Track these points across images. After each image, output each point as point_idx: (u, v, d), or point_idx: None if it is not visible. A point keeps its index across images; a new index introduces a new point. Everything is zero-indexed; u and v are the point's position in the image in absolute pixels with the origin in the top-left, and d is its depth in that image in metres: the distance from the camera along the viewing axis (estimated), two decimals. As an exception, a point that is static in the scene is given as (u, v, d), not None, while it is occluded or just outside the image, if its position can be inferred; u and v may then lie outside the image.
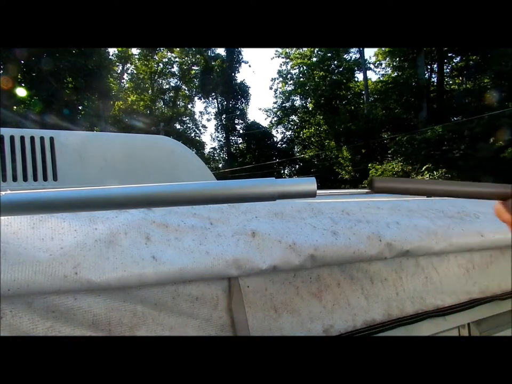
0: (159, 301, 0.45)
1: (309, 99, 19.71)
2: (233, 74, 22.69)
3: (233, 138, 24.10)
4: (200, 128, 23.89)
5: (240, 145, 23.93)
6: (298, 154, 21.43)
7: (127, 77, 20.96)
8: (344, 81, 18.43)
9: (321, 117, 19.15)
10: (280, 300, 0.52)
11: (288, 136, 22.18)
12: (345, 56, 18.53)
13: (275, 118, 22.11)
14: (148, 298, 0.44)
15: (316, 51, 18.42)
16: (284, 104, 21.50)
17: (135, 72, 20.98)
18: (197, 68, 22.56)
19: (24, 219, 0.39)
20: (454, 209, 0.68)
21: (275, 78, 21.37)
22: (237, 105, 23.35)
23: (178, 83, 22.60)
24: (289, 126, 22.05)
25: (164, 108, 22.40)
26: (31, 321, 0.39)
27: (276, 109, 21.95)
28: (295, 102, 21.09)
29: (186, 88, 23.08)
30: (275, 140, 22.74)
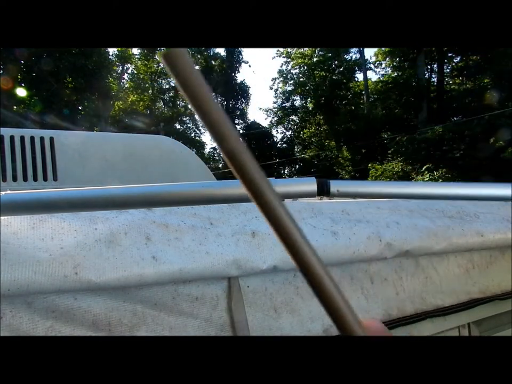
0: (159, 301, 0.45)
1: (309, 99, 19.70)
2: (233, 74, 22.68)
3: (233, 138, 24.02)
4: (200, 128, 23.87)
5: (240, 145, 23.85)
6: (298, 154, 21.41)
7: (127, 77, 20.96)
8: (344, 81, 18.42)
9: (321, 117, 19.14)
10: (280, 300, 0.52)
11: (288, 136, 22.17)
12: (345, 56, 18.53)
13: (275, 118, 22.10)
14: (147, 298, 0.44)
15: (317, 51, 18.41)
16: (284, 104, 21.48)
17: (135, 72, 20.98)
18: (197, 68, 22.52)
19: (24, 219, 0.39)
20: (454, 209, 0.68)
21: (275, 78, 21.37)
22: (237, 105, 23.34)
23: (178, 83, 22.52)
24: (289, 126, 22.04)
25: (163, 108, 22.39)
26: (31, 321, 0.39)
27: (276, 109, 21.95)
28: (295, 102, 21.09)
29: (186, 88, 22.99)
30: (275, 140, 22.72)
